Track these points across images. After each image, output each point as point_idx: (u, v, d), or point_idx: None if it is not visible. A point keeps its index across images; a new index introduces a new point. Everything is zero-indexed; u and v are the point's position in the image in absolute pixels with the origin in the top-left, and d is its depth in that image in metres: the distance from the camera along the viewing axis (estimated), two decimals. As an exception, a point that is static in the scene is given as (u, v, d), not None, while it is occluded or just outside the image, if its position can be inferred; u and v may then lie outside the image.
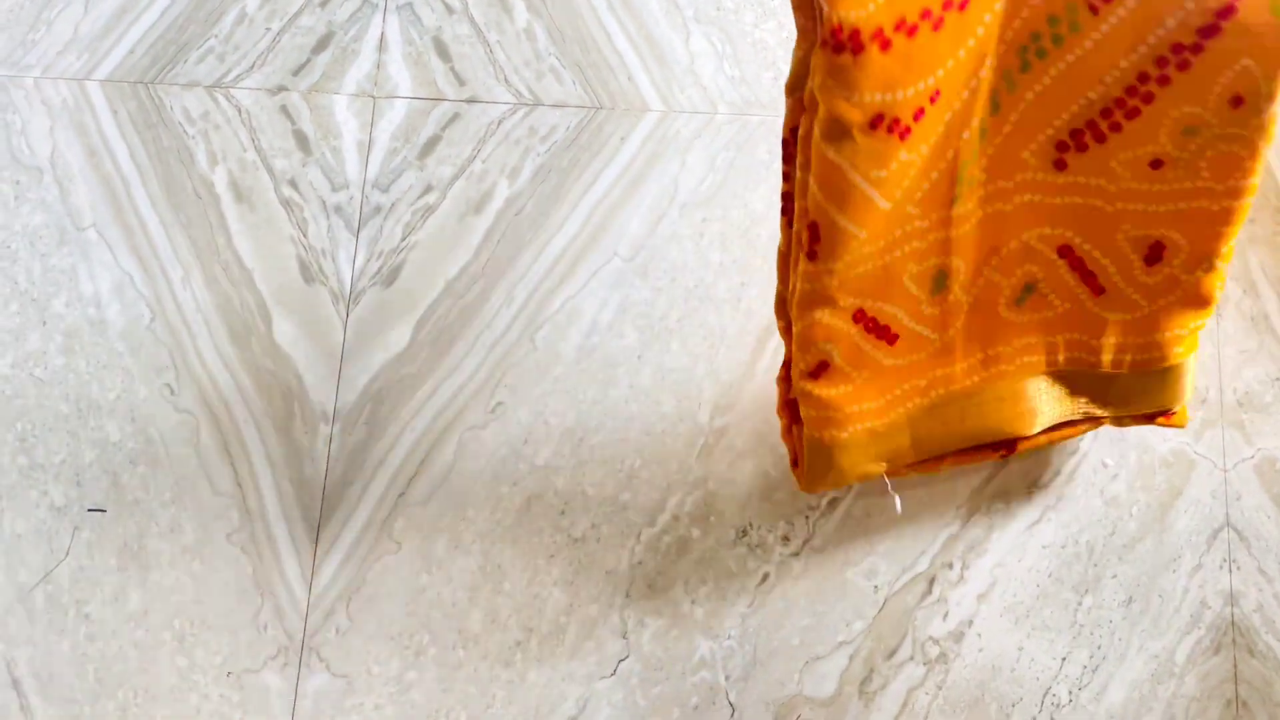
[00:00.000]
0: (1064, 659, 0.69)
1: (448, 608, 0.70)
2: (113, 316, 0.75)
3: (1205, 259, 0.55)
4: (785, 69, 0.78)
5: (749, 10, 0.80)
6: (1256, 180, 0.53)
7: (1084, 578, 0.69)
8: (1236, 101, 0.50)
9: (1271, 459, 0.71)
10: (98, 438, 0.73)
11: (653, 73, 0.79)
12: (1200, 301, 0.56)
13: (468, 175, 0.78)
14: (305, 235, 0.77)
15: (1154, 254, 0.56)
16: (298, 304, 0.76)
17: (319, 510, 0.72)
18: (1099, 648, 0.69)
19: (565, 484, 0.72)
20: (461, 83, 0.80)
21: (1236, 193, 0.53)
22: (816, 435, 0.58)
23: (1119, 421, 0.62)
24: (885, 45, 0.46)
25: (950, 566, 0.70)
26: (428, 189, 0.78)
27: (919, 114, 0.48)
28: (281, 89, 0.80)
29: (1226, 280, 0.72)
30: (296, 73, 0.80)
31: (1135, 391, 0.60)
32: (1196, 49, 0.49)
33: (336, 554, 0.71)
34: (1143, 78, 0.51)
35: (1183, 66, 0.50)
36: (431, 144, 0.78)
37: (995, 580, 0.70)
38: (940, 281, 0.56)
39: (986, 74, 0.51)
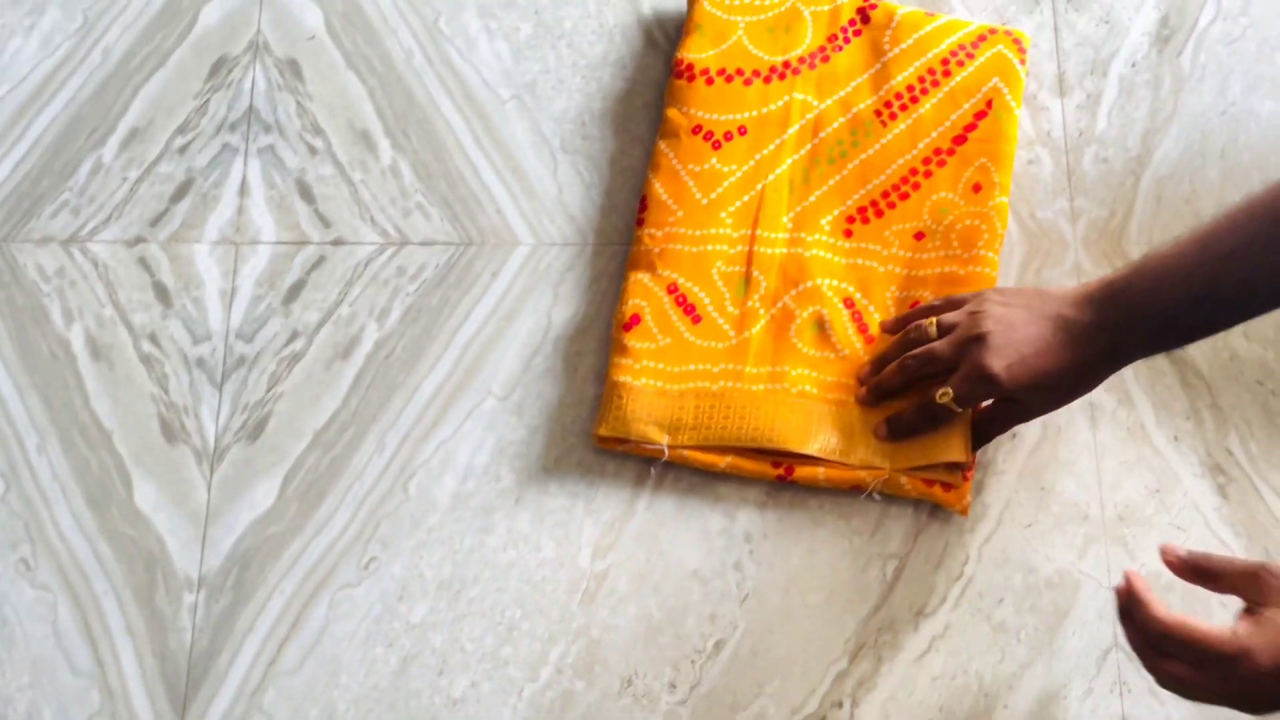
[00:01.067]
0: (962, 794, 0.67)
1: (321, 784, 0.67)
2: (-37, 490, 0.72)
3: None
4: (653, 197, 0.78)
5: (615, 138, 0.79)
6: (996, 254, 0.72)
7: (975, 710, 0.68)
8: (977, 188, 0.73)
9: (1156, 575, 0.70)
10: (-52, 621, 0.70)
11: (521, 205, 0.78)
12: None
13: (335, 320, 0.76)
14: (166, 392, 0.75)
15: None
16: (159, 465, 0.73)
17: (184, 685, 0.69)
18: (997, 780, 0.67)
19: (443, 641, 0.70)
20: (326, 224, 0.78)
21: (978, 260, 0.72)
22: (615, 378, 0.70)
23: (897, 485, 0.68)
24: (709, 81, 0.76)
25: (840, 705, 0.68)
26: (293, 336, 0.76)
27: (728, 136, 0.75)
28: (140, 240, 0.78)
29: (1102, 392, 0.72)
30: (155, 222, 0.78)
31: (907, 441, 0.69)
32: (951, 152, 0.74)
33: (202, 733, 0.68)
34: (913, 171, 0.74)
35: (941, 164, 0.74)
36: (296, 289, 0.77)
37: (887, 716, 0.68)
38: (743, 287, 0.72)
39: (794, 145, 0.75)
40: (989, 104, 0.74)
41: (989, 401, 0.67)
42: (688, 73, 0.76)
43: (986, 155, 0.74)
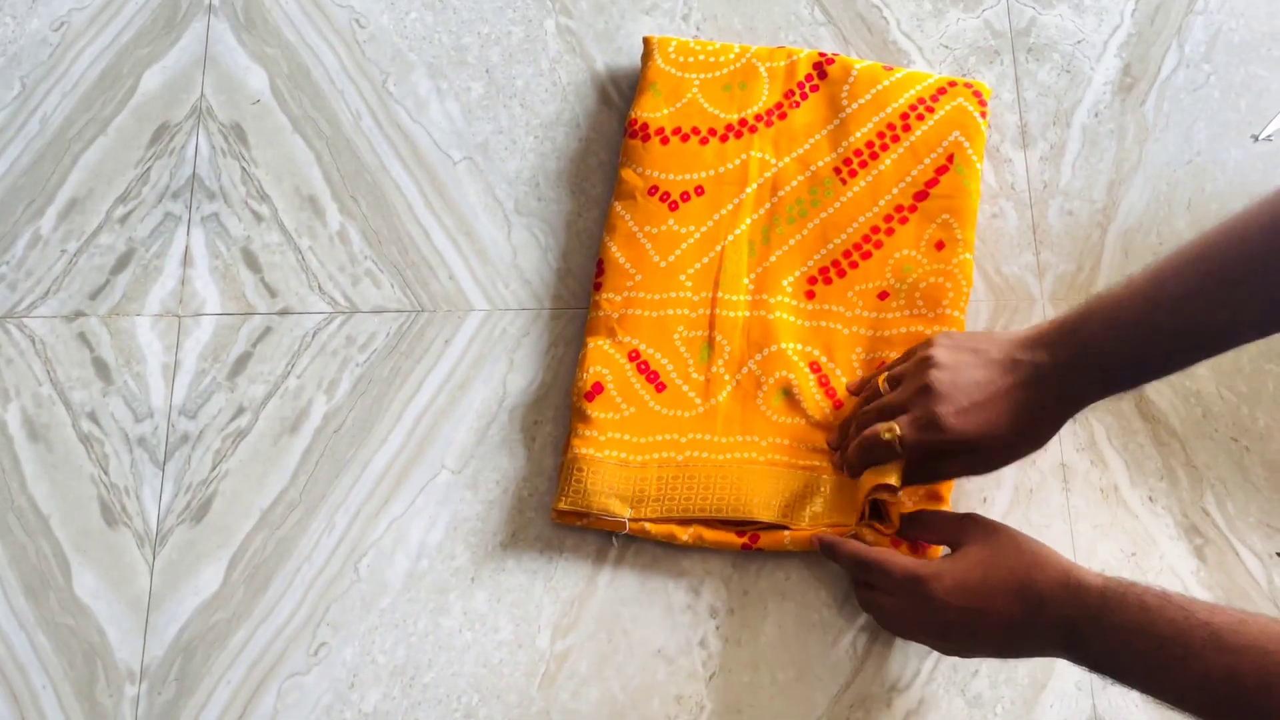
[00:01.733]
0: None
1: None
2: (-108, 582, 0.69)
3: None
4: (609, 259, 0.76)
5: (570, 199, 0.77)
6: (962, 312, 0.71)
7: (952, 791, 0.65)
8: (940, 245, 0.72)
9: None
10: (-125, 723, 0.66)
11: (475, 270, 0.76)
12: None
13: (282, 393, 0.73)
14: (107, 472, 0.72)
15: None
16: (99, 550, 0.70)
17: (125, 785, 0.66)
18: None
19: (396, 730, 0.67)
20: (273, 294, 0.76)
21: (944, 319, 0.70)
22: (575, 451, 0.68)
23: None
24: (664, 140, 0.74)
25: (812, 789, 0.65)
26: (239, 411, 0.73)
27: (685, 196, 0.73)
28: (79, 314, 0.75)
29: (1074, 452, 0.70)
30: (95, 296, 0.75)
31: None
32: (913, 209, 0.73)
33: (142, 838, 0.64)
34: (875, 229, 0.73)
35: (903, 221, 0.73)
36: (242, 362, 0.74)
37: (861, 799, 0.65)
38: (706, 352, 0.70)
39: (752, 204, 0.73)
40: (950, 159, 0.73)
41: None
42: (642, 132, 0.74)
43: (949, 211, 0.72)
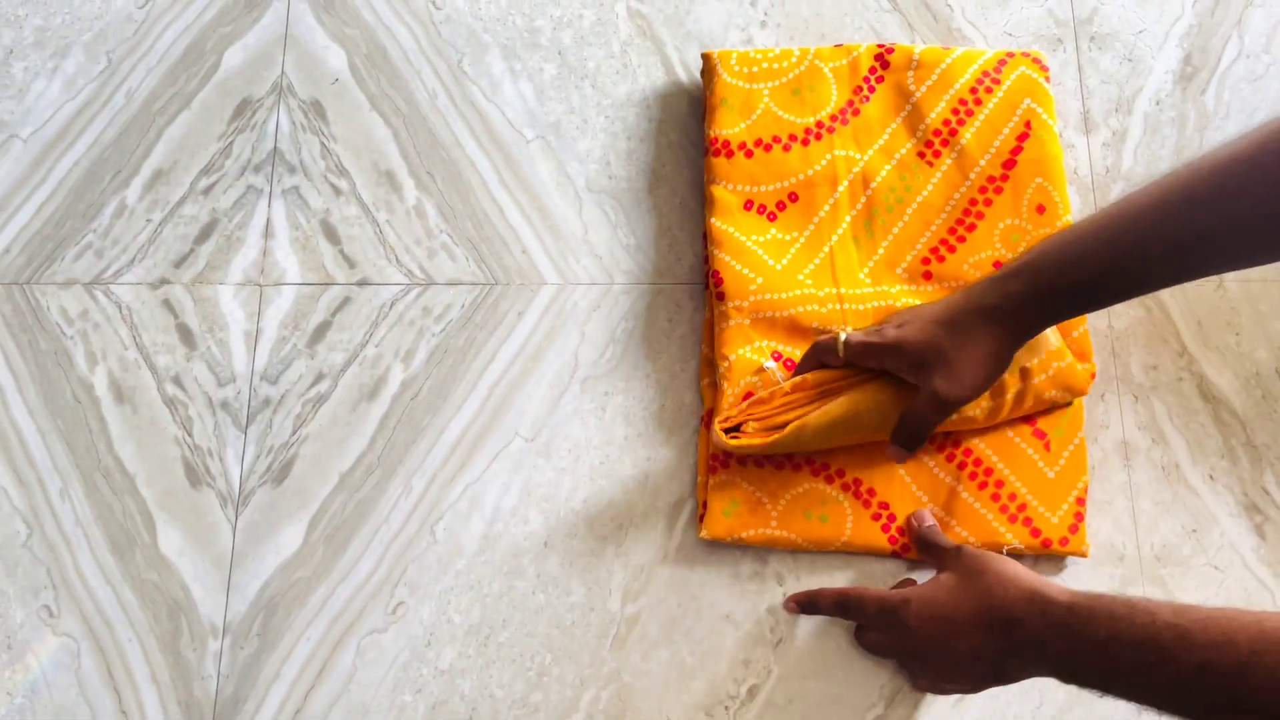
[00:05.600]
0: (1002, 845, 0.66)
1: (349, 837, 0.66)
2: (-15, 536, 0.71)
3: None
4: (679, 234, 0.78)
5: (641, 177, 0.79)
6: None
7: (1015, 756, 0.67)
8: (1040, 209, 0.73)
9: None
10: (-31, 670, 0.69)
11: (547, 245, 0.78)
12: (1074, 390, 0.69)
13: (360, 361, 0.75)
14: (190, 435, 0.74)
15: None
16: (183, 509, 0.72)
17: (209, 735, 0.68)
18: (1037, 830, 0.66)
19: (472, 687, 0.69)
20: (351, 265, 0.78)
21: None
22: (730, 444, 0.66)
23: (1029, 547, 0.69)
24: (749, 154, 0.75)
25: (878, 752, 0.67)
26: (319, 378, 0.75)
27: (780, 205, 0.74)
28: (164, 282, 0.77)
29: (1135, 430, 0.72)
30: (179, 264, 0.78)
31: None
32: (1004, 178, 0.74)
33: (228, 785, 0.66)
34: (972, 202, 0.74)
35: (998, 191, 0.74)
36: (322, 330, 0.76)
37: (925, 763, 0.67)
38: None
39: (848, 202, 0.75)
40: (1028, 125, 0.74)
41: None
42: (725, 149, 0.75)
43: (1041, 175, 0.73)
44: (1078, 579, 0.70)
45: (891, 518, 0.69)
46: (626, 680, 0.69)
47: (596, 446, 0.74)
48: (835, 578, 0.70)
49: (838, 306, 0.71)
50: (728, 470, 0.70)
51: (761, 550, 0.71)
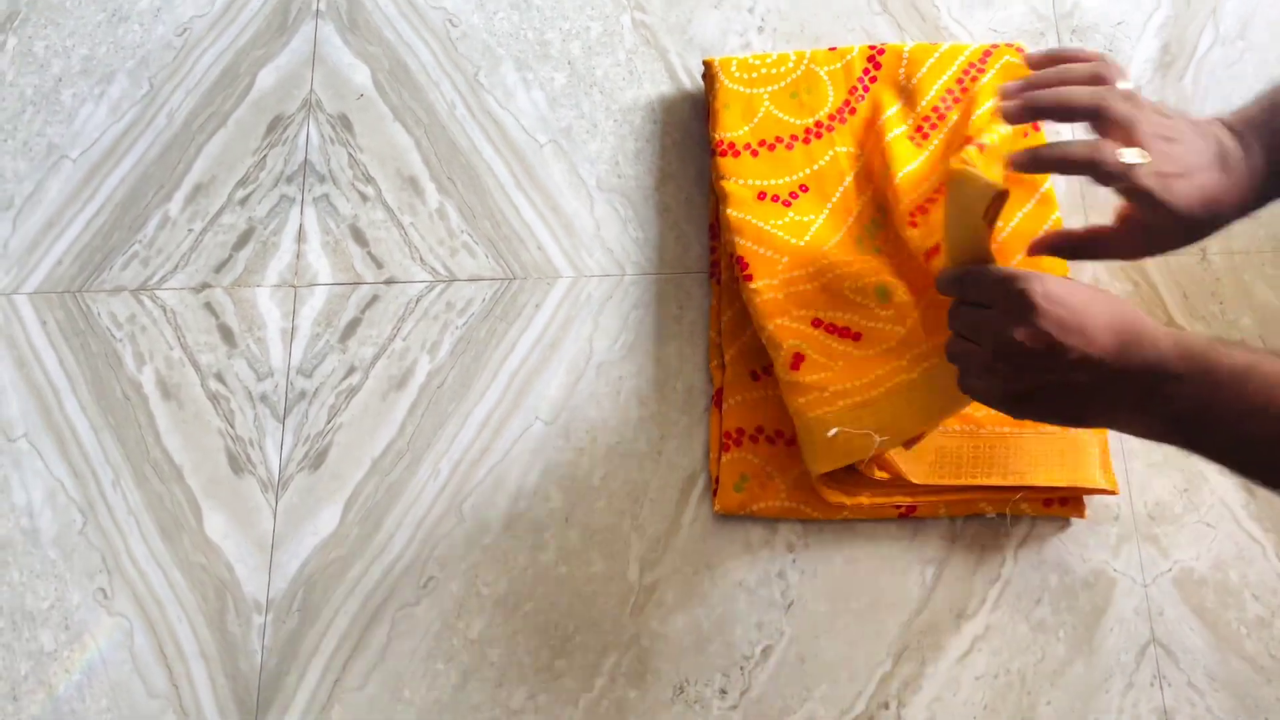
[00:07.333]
0: (1010, 792, 0.69)
1: (387, 795, 0.69)
2: (45, 525, 0.76)
3: None
4: (686, 227, 0.82)
5: (649, 175, 0.84)
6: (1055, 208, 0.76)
7: (1019, 707, 0.70)
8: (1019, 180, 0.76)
9: (1188, 570, 0.72)
10: (32, 649, 0.73)
11: (561, 241, 0.83)
12: None
13: (389, 354, 0.80)
14: (233, 426, 0.79)
15: None
16: (227, 495, 0.77)
17: (255, 704, 0.72)
18: (1043, 777, 0.69)
19: (500, 656, 0.72)
20: (379, 265, 0.83)
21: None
22: (810, 415, 0.68)
23: (1016, 508, 0.72)
24: (754, 154, 0.79)
25: (886, 706, 0.70)
26: (351, 370, 0.80)
27: (793, 195, 0.77)
28: (205, 286, 0.83)
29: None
30: (219, 269, 0.83)
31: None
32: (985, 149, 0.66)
33: (273, 749, 0.70)
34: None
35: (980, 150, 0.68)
36: (352, 326, 0.81)
37: (933, 716, 0.70)
38: (883, 292, 0.70)
39: (855, 191, 0.78)
40: None
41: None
42: (731, 150, 0.79)
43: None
44: (1076, 537, 0.73)
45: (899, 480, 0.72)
46: (645, 644, 0.72)
47: (612, 427, 0.78)
48: (843, 547, 0.74)
49: (870, 262, 0.72)
50: (740, 448, 0.74)
51: (771, 520, 0.75)
